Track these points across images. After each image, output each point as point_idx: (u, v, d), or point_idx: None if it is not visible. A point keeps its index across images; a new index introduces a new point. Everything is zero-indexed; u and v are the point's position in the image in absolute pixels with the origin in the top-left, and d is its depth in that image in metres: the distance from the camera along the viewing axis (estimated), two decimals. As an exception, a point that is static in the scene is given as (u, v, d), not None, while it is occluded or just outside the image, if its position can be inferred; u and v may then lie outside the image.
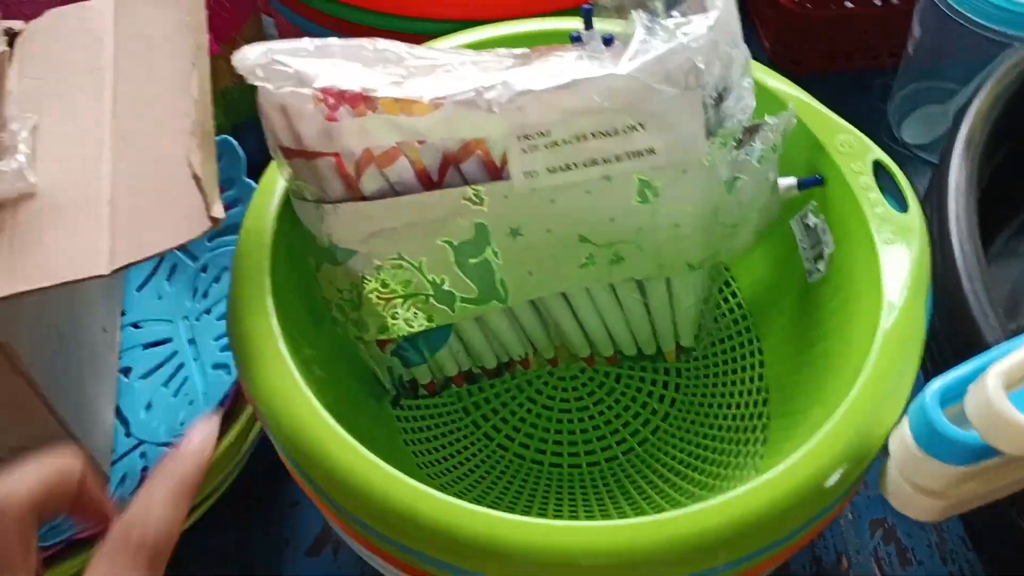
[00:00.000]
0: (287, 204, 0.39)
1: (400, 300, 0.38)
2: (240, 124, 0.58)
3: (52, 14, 0.42)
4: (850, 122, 0.41)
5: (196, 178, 0.35)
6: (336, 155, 0.36)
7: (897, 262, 0.37)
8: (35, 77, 0.39)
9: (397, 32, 0.48)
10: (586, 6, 0.38)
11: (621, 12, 0.38)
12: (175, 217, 0.35)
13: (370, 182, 0.37)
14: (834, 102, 0.42)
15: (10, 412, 0.41)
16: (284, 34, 0.61)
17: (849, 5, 0.64)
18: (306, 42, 0.36)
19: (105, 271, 0.35)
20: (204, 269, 0.54)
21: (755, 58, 0.40)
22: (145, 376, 0.51)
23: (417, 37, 0.42)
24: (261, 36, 0.62)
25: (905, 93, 0.62)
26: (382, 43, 0.37)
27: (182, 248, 0.41)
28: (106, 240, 0.35)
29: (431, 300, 0.38)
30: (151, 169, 0.37)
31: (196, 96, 0.36)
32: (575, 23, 0.44)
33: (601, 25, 0.38)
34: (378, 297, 0.38)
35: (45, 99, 0.38)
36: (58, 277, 0.34)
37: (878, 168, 0.39)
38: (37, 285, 0.34)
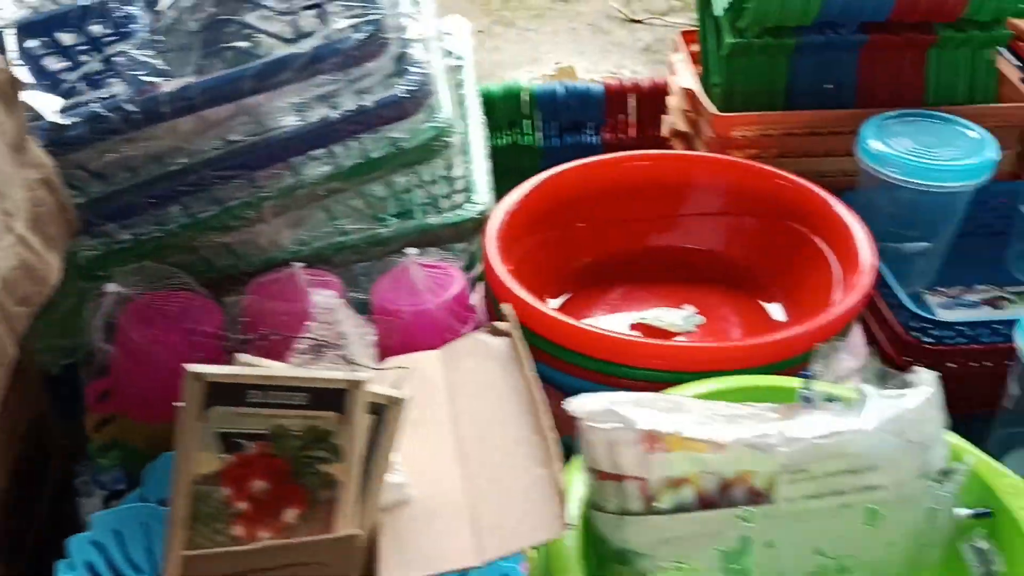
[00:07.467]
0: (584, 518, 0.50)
1: (677, 597, 0.49)
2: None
3: (389, 362, 0.56)
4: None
5: (560, 492, 0.46)
6: (643, 480, 0.48)
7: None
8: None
9: (625, 378, 0.62)
10: (805, 372, 0.52)
11: (837, 381, 0.51)
12: (533, 521, 0.47)
13: (664, 501, 0.49)
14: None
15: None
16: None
17: (951, 365, 0.75)
18: (627, 395, 0.49)
19: (478, 563, 0.46)
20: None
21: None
22: None
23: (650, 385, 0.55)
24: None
25: (999, 436, 0.73)
26: (673, 397, 0.51)
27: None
28: (469, 538, 0.47)
29: (701, 598, 0.49)
30: (503, 485, 0.49)
31: (549, 432, 0.49)
32: (789, 381, 0.57)
33: (820, 386, 0.52)
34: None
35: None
36: (442, 568, 0.46)
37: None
38: (425, 573, 0.46)
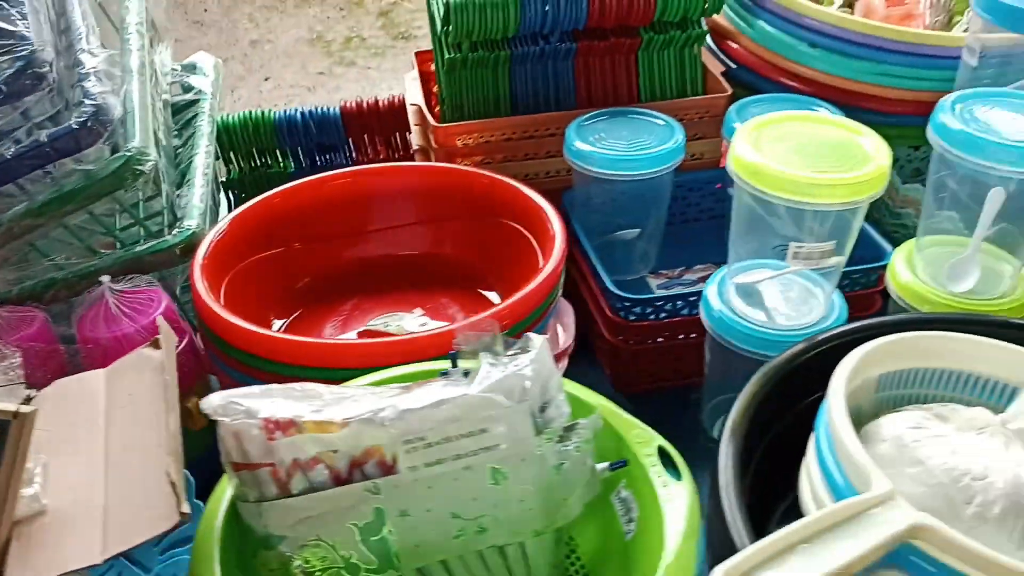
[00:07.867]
0: (231, 513, 0.53)
1: (319, 573, 0.52)
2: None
3: (57, 383, 0.57)
4: (674, 428, 0.58)
5: (172, 484, 0.49)
6: (273, 465, 0.51)
7: (675, 516, 0.52)
8: (46, 429, 0.53)
9: (313, 378, 0.61)
10: (452, 352, 0.55)
11: (476, 356, 0.55)
12: (154, 515, 0.49)
13: (297, 483, 0.51)
14: (662, 414, 0.59)
15: None
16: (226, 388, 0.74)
17: (660, 340, 0.81)
18: (253, 388, 0.52)
19: (98, 560, 0.48)
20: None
21: (598, 385, 0.58)
22: None
23: (329, 381, 0.57)
24: (209, 390, 0.76)
25: (712, 404, 0.79)
26: (307, 385, 0.53)
27: (133, 559, 0.53)
28: (99, 538, 0.49)
29: (342, 572, 0.52)
30: (135, 484, 0.51)
31: (172, 430, 0.51)
32: (444, 364, 0.59)
33: (463, 364, 0.55)
34: (302, 572, 0.51)
35: (53, 443, 0.53)
36: (62, 569, 0.48)
37: (662, 451, 0.55)
38: (46, 576, 0.47)
